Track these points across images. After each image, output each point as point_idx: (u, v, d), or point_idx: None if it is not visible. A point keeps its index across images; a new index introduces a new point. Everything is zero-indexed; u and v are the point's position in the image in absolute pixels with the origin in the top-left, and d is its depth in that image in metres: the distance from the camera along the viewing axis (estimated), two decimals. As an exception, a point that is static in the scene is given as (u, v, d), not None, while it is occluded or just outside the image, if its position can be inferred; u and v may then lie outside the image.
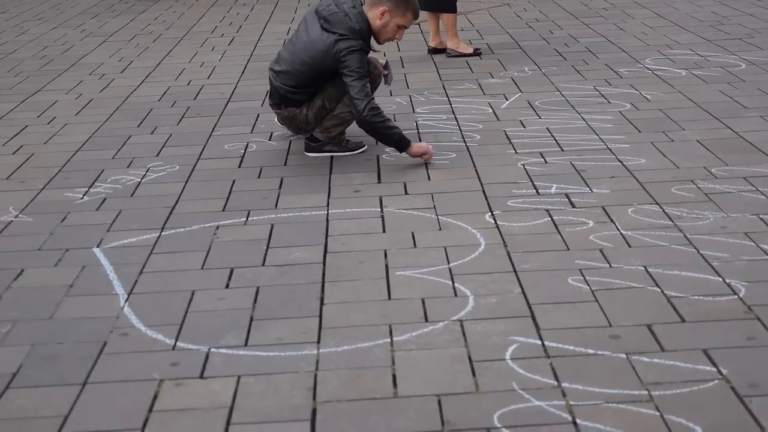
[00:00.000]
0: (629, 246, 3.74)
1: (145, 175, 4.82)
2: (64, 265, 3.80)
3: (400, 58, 7.14)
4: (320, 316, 3.29)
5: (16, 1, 11.07)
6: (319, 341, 3.13)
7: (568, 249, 3.75)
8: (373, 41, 4.83)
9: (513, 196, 4.32)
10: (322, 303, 3.39)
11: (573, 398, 2.75)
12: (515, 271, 3.58)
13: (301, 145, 5.10)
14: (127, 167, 4.95)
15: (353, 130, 5.04)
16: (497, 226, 3.99)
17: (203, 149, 5.20)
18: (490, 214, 4.13)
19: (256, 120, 5.70)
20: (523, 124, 5.39)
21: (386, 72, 5.02)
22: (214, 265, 3.75)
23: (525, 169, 4.65)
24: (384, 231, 4.01)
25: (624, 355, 2.96)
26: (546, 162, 4.74)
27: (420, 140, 5.12)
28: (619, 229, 3.90)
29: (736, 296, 3.31)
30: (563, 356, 2.97)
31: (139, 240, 4.01)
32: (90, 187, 4.67)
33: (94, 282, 3.65)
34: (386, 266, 3.67)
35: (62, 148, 5.32)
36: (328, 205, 4.31)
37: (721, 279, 3.43)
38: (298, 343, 3.12)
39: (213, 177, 4.75)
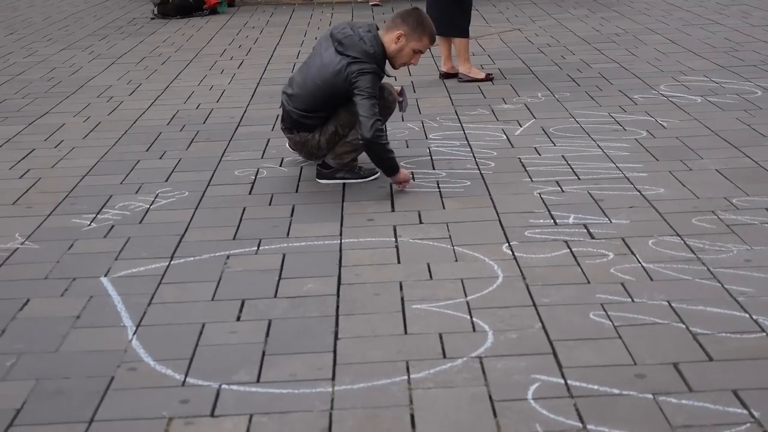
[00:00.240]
0: (651, 279, 3.64)
1: (153, 201, 4.73)
2: (70, 295, 3.71)
3: (412, 82, 7.07)
4: (335, 351, 3.19)
5: (25, 22, 11.05)
6: (334, 378, 3.03)
7: (589, 282, 3.64)
8: (388, 66, 4.75)
9: (530, 226, 4.22)
10: (336, 337, 3.29)
11: (599, 442, 2.64)
12: (535, 305, 3.47)
13: (313, 172, 5.01)
14: (136, 193, 4.87)
15: (365, 156, 4.95)
16: (515, 258, 3.89)
17: (213, 175, 5.11)
18: (507, 244, 4.03)
19: (267, 145, 5.62)
20: (538, 152, 5.30)
21: (401, 99, 4.93)
22: (224, 296, 3.65)
23: (542, 198, 4.56)
24: (399, 262, 3.91)
25: (651, 396, 2.85)
26: (563, 191, 4.65)
27: (433, 167, 5.05)
28: (640, 262, 3.80)
29: (764, 333, 3.20)
30: (588, 396, 2.87)
31: (147, 269, 3.92)
32: (98, 214, 4.58)
33: (101, 313, 3.55)
34: (402, 299, 3.57)
35: (69, 173, 5.24)
36: (341, 234, 4.21)
37: (747, 315, 3.32)
38: (313, 380, 3.02)
39: (223, 204, 4.67)
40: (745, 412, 2.75)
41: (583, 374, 2.98)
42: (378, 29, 4.72)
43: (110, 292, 3.71)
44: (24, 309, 3.61)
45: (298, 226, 4.33)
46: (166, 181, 5.05)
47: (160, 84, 7.47)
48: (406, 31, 4.67)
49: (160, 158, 5.47)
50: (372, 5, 11.46)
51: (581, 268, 3.77)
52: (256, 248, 4.10)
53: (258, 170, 5.16)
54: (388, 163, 4.65)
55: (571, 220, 4.27)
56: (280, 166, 5.24)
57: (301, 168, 5.16)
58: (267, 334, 3.33)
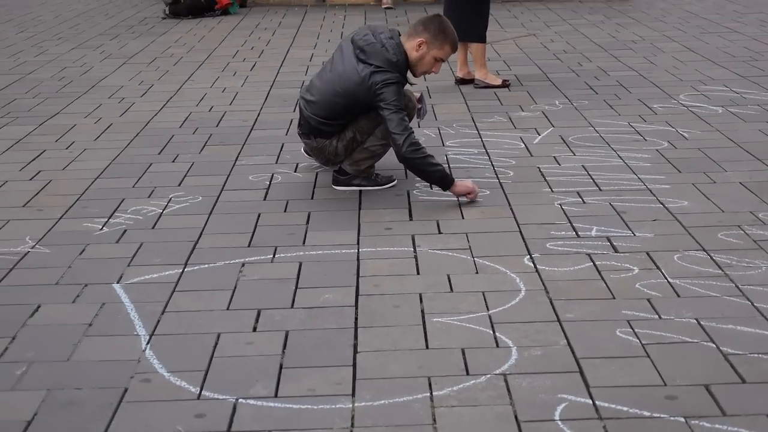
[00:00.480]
0: (678, 296, 3.55)
1: (166, 205, 4.64)
2: (82, 301, 3.62)
3: (427, 88, 6.97)
4: (354, 366, 3.10)
5: (36, 20, 10.97)
6: (353, 394, 2.93)
7: (614, 297, 3.55)
8: (408, 74, 4.65)
9: (551, 238, 4.13)
10: (355, 351, 3.20)
11: (631, 467, 2.55)
12: (559, 320, 3.38)
13: (328, 178, 4.92)
14: (148, 197, 4.78)
15: (382, 163, 4.87)
16: (537, 271, 3.80)
17: (227, 180, 5.02)
18: (528, 256, 3.94)
19: (281, 150, 5.53)
20: (557, 161, 5.20)
21: (420, 106, 4.83)
22: (240, 305, 3.56)
23: (563, 209, 4.46)
24: (418, 273, 3.81)
25: (683, 419, 2.75)
26: (584, 202, 4.55)
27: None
28: (666, 277, 3.70)
29: (797, 355, 3.11)
30: (617, 418, 2.77)
31: (161, 276, 3.83)
32: (110, 218, 4.49)
33: (114, 321, 3.46)
34: (422, 311, 3.48)
35: (81, 175, 5.15)
36: (358, 243, 4.12)
37: (779, 335, 3.23)
38: (332, 395, 2.93)
39: (237, 210, 4.58)
40: (781, 437, 2.66)
41: (612, 395, 2.89)
42: (400, 35, 4.62)
43: (123, 299, 3.62)
44: (35, 315, 3.52)
45: (315, 234, 4.24)
46: (179, 185, 4.96)
47: (172, 85, 7.39)
48: (427, 39, 4.57)
49: (173, 161, 5.38)
50: (385, 8, 11.37)
51: (605, 283, 3.67)
52: (271, 256, 4.01)
53: (272, 175, 5.07)
54: (436, 176, 4.49)
55: (593, 233, 4.17)
56: (295, 171, 5.15)
57: (317, 174, 5.07)
58: (284, 346, 3.24)
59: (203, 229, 4.32)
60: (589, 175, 4.95)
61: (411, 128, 4.49)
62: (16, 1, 12.55)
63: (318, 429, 2.76)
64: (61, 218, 4.51)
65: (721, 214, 4.37)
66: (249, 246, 4.13)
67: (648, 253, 3.93)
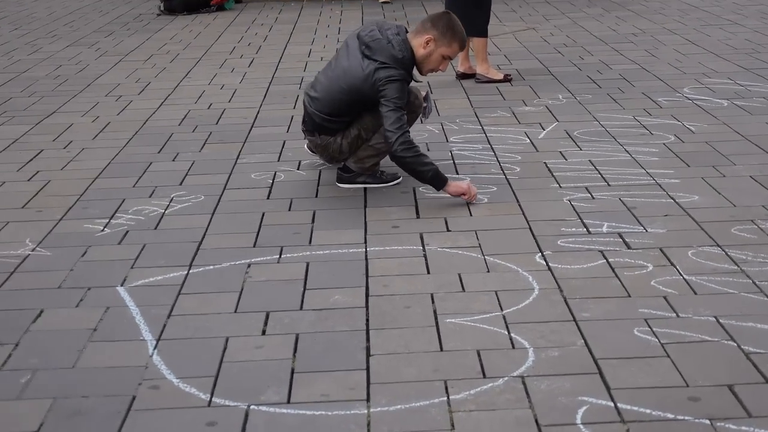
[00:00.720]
0: (695, 293, 3.47)
1: (168, 205, 4.56)
2: (86, 305, 3.54)
3: (428, 83, 6.87)
4: (368, 369, 3.02)
5: (30, 17, 10.86)
6: (368, 399, 2.86)
7: (629, 296, 3.48)
8: (415, 72, 4.56)
9: (562, 234, 4.05)
10: (368, 354, 3.12)
11: (657, 472, 2.48)
12: (575, 320, 3.31)
13: (332, 175, 4.84)
14: (149, 197, 4.69)
15: (387, 161, 4.79)
16: (549, 268, 3.72)
17: (229, 178, 4.94)
18: (540, 254, 3.86)
19: (283, 147, 5.44)
20: (563, 156, 5.13)
21: (425, 104, 4.74)
22: (248, 308, 3.48)
23: (572, 205, 4.39)
24: (428, 272, 3.74)
25: (708, 422, 2.68)
26: (593, 198, 4.48)
27: (457, 172, 4.88)
28: (681, 274, 3.63)
29: (820, 353, 3.04)
30: (640, 421, 2.70)
31: (165, 278, 3.74)
32: (111, 218, 4.41)
33: (119, 325, 3.38)
34: (434, 312, 3.40)
35: (80, 175, 5.06)
36: (365, 242, 4.04)
37: (800, 333, 3.17)
38: (346, 400, 2.85)
39: (241, 209, 4.49)
40: (809, 439, 2.60)
41: (633, 396, 2.82)
42: (407, 32, 4.53)
43: (128, 303, 3.54)
44: (37, 321, 3.43)
45: (321, 233, 4.16)
46: (181, 184, 4.88)
47: (169, 83, 7.29)
48: (435, 36, 4.47)
49: (173, 160, 5.29)
50: (382, 3, 11.27)
51: (620, 280, 3.60)
52: (278, 256, 3.93)
53: (275, 173, 4.98)
54: (428, 176, 4.39)
55: (604, 229, 4.10)
56: (298, 169, 5.06)
57: (320, 171, 4.99)
58: (295, 350, 3.16)
59: (207, 230, 4.24)
60: (597, 169, 4.87)
61: (407, 127, 4.41)
62: (9, -1, 12.43)
63: (333, 436, 2.69)
64: (61, 219, 4.42)
65: (733, 208, 4.30)
66: (254, 246, 4.04)
67: (661, 249, 3.86)
